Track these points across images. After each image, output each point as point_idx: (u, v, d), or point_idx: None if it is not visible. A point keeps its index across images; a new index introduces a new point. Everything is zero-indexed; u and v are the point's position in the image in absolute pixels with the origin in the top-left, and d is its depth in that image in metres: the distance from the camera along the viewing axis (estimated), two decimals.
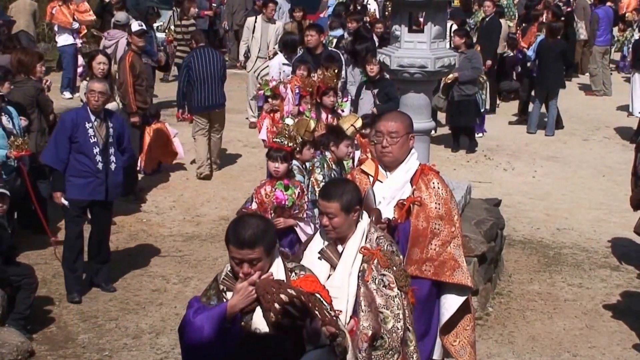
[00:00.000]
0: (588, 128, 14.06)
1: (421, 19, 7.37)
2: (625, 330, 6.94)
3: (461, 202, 7.44)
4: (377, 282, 4.08)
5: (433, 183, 4.73)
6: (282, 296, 3.30)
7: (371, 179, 4.77)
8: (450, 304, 4.77)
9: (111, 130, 7.12)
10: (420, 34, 7.03)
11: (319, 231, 4.26)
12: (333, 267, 4.05)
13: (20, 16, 14.39)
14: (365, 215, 4.22)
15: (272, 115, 8.95)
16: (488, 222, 7.50)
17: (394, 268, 4.13)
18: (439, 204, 4.67)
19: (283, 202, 6.10)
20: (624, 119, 14.11)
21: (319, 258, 4.09)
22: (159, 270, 7.88)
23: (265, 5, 13.20)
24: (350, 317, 4.01)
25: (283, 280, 3.45)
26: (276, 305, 3.29)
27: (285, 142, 6.20)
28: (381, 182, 4.73)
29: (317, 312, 3.34)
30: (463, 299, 4.76)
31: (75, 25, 14.77)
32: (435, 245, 4.66)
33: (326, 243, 4.12)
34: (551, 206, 10.03)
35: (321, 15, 15.90)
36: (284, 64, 10.64)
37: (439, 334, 4.88)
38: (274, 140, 6.31)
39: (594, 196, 10.34)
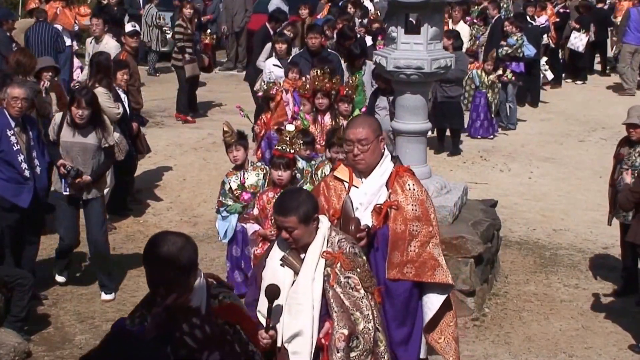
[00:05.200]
0: (584, 129, 14.09)
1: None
2: (621, 331, 6.96)
3: (457, 203, 7.46)
4: (342, 285, 4.08)
5: (408, 185, 4.70)
6: (184, 325, 3.21)
7: (346, 185, 4.72)
8: (432, 302, 4.76)
9: (31, 133, 6.96)
10: (416, 35, 7.05)
11: (276, 242, 4.23)
12: (296, 273, 4.05)
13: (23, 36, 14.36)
14: (324, 219, 4.20)
15: (266, 115, 8.99)
16: (484, 223, 7.51)
17: (358, 269, 4.12)
18: (415, 205, 4.66)
19: None
20: (620, 120, 14.11)
21: (281, 265, 4.08)
22: None
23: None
24: (324, 320, 4.04)
25: (197, 309, 3.26)
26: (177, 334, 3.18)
27: (288, 149, 6.23)
28: (357, 187, 4.68)
29: (228, 345, 3.25)
30: (445, 296, 4.77)
31: (76, 27, 14.81)
32: (415, 246, 4.65)
33: (287, 250, 4.10)
34: (547, 207, 10.06)
35: (318, 16, 15.91)
36: (274, 64, 10.61)
37: (423, 333, 4.88)
38: (276, 148, 6.34)
39: (590, 197, 10.36)
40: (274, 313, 3.96)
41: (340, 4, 16.77)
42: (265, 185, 6.73)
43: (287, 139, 6.31)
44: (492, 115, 13.25)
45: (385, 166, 4.71)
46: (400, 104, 7.38)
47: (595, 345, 6.71)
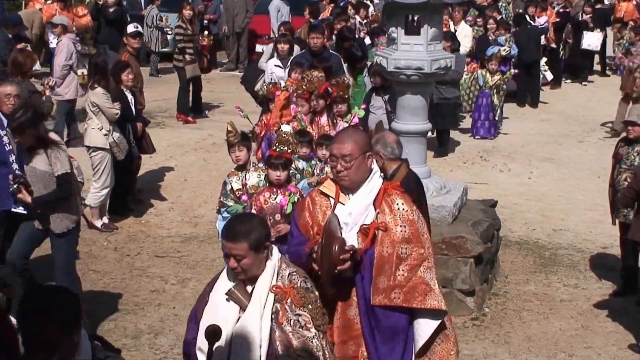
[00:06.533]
0: (584, 129, 14.13)
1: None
2: (621, 330, 6.98)
3: (457, 204, 7.49)
4: (292, 323, 3.74)
5: (397, 204, 4.32)
6: None
7: (332, 201, 4.38)
8: (423, 329, 4.38)
9: None
10: (416, 36, 7.08)
11: (224, 270, 3.90)
12: (243, 309, 3.73)
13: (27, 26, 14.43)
14: (275, 250, 3.87)
15: (266, 116, 8.99)
16: (484, 223, 7.54)
17: (310, 306, 3.79)
18: (404, 226, 4.29)
19: (284, 208, 6.15)
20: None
21: (226, 299, 3.76)
22: (157, 271, 7.91)
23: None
24: None
25: None
26: None
27: (285, 149, 6.25)
28: (343, 204, 4.35)
29: None
30: (437, 322, 4.39)
31: (73, 28, 14.82)
32: (403, 270, 4.26)
33: (233, 283, 3.79)
34: (547, 207, 10.08)
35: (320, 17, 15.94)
36: (275, 65, 10.63)
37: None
38: (273, 148, 6.35)
39: (589, 197, 10.39)
40: (216, 355, 3.63)
41: (342, 4, 16.80)
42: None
43: (284, 139, 6.32)
44: (496, 117, 13.29)
45: (373, 184, 4.36)
46: (401, 104, 7.41)
47: (595, 345, 6.74)
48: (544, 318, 7.18)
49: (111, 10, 16.44)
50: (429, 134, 8.10)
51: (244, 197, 6.64)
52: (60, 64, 11.33)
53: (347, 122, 7.97)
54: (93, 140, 8.72)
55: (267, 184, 6.43)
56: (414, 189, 5.80)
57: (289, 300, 3.76)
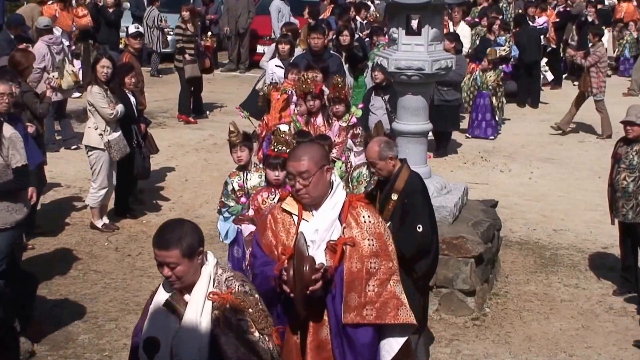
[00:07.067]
0: (584, 130, 14.14)
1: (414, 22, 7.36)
2: (621, 330, 7.00)
3: (458, 204, 7.50)
4: (234, 329, 3.61)
5: (363, 217, 4.17)
6: None
7: (295, 218, 4.18)
8: (391, 345, 4.26)
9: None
10: (417, 36, 7.09)
11: (162, 282, 3.77)
12: (181, 318, 3.61)
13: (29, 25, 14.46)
14: (210, 256, 3.73)
15: (267, 117, 9.02)
16: (485, 224, 7.55)
17: (250, 310, 3.64)
18: (372, 239, 4.13)
19: None
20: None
21: (164, 310, 3.66)
22: (158, 271, 7.89)
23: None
24: None
25: None
26: None
27: (283, 149, 6.24)
28: (307, 221, 4.15)
29: None
30: (405, 338, 4.29)
31: (73, 28, 14.87)
32: (374, 285, 4.12)
33: (170, 293, 3.67)
34: (547, 207, 10.10)
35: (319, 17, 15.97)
36: (276, 65, 10.65)
37: None
38: (271, 148, 6.35)
39: (589, 197, 10.40)
40: None
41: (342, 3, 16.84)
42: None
43: (282, 139, 6.33)
44: (497, 118, 13.30)
45: (337, 197, 4.17)
46: (401, 104, 7.42)
47: (596, 345, 6.75)
48: (545, 318, 7.19)
49: (110, 10, 16.48)
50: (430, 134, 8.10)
51: (243, 200, 6.65)
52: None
53: (346, 122, 7.99)
54: (88, 139, 8.73)
55: (266, 184, 6.44)
56: (419, 188, 5.82)
57: (228, 307, 3.61)
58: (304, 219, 4.16)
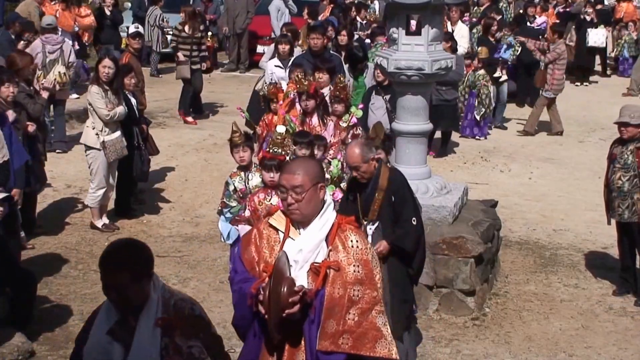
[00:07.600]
0: (584, 130, 14.16)
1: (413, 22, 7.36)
2: (621, 330, 7.00)
3: (458, 204, 7.51)
4: (185, 356, 3.44)
5: (351, 241, 3.92)
6: None
7: (281, 235, 3.97)
8: None
9: (4, 130, 6.79)
10: (417, 36, 7.10)
11: (104, 305, 3.57)
12: (127, 347, 3.43)
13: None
14: (158, 279, 3.55)
15: (267, 117, 9.01)
16: (485, 223, 7.55)
17: (201, 335, 3.51)
18: (358, 266, 3.88)
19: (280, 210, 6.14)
20: None
21: (109, 339, 3.46)
22: (158, 271, 7.77)
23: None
24: None
25: None
26: None
27: (279, 151, 6.25)
28: (293, 239, 3.95)
29: None
30: None
31: (76, 29, 14.88)
32: (354, 314, 3.87)
33: (115, 318, 3.48)
34: (547, 207, 10.11)
35: (319, 18, 15.97)
36: (276, 65, 10.65)
37: None
38: (267, 150, 6.35)
39: (589, 197, 10.40)
40: None
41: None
42: None
43: (278, 141, 6.32)
44: (478, 117, 13.17)
45: (326, 217, 3.96)
46: (401, 105, 7.43)
47: (595, 345, 6.75)
48: (544, 318, 7.20)
49: (109, 11, 16.49)
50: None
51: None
52: None
53: (346, 122, 7.99)
54: (86, 138, 8.72)
55: (263, 185, 6.45)
56: (404, 182, 5.81)
57: (178, 333, 3.44)
58: (290, 236, 3.95)
